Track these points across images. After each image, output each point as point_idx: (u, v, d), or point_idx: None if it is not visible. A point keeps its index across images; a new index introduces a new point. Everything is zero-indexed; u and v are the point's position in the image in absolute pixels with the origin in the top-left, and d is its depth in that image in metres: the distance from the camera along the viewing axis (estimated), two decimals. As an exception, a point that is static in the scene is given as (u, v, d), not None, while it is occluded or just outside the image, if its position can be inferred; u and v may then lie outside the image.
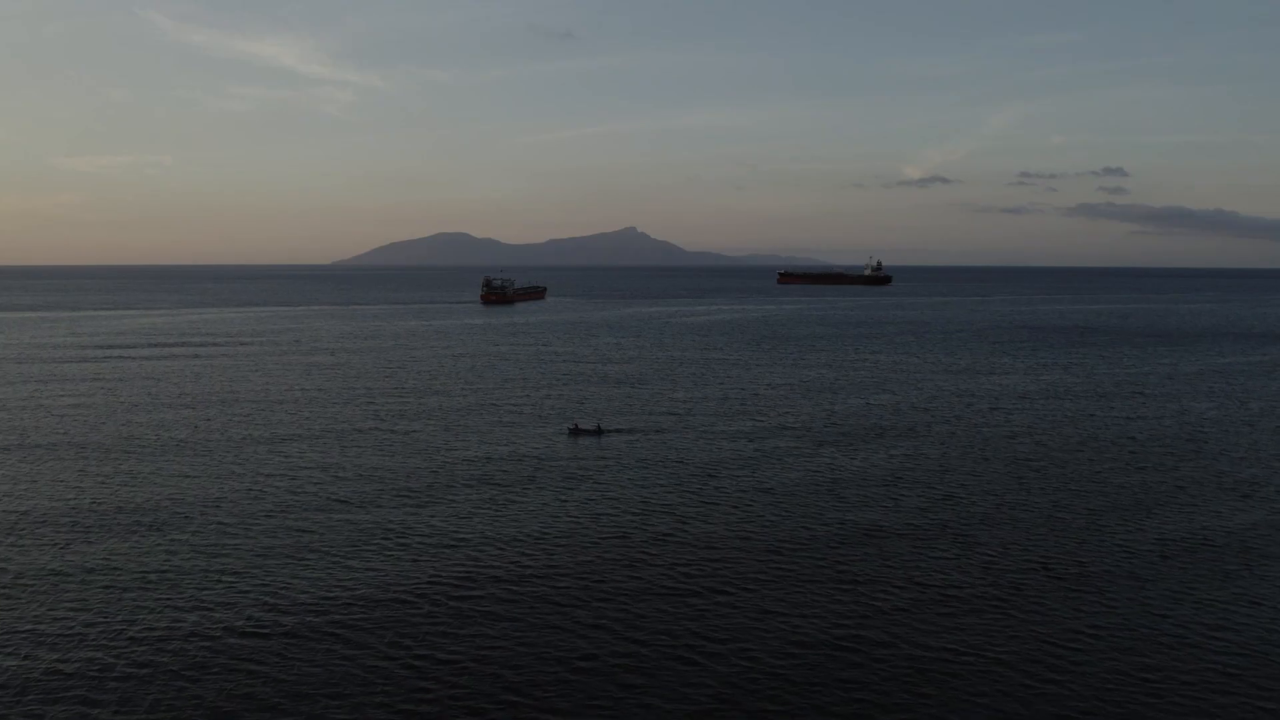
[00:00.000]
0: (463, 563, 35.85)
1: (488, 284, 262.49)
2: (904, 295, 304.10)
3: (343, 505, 43.36)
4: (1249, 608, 32.61)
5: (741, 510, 43.40)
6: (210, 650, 28.51)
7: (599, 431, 61.98)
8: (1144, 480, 49.88)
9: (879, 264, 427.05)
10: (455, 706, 25.61)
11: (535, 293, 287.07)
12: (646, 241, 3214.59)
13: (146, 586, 33.59)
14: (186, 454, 53.95)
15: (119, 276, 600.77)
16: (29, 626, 30.21)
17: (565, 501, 44.36)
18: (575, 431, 61.99)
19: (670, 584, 34.07)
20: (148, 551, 37.25)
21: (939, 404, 74.03)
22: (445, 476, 49.29)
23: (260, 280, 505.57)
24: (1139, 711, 25.69)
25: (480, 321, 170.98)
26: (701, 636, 29.76)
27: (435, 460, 52.95)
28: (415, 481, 48.03)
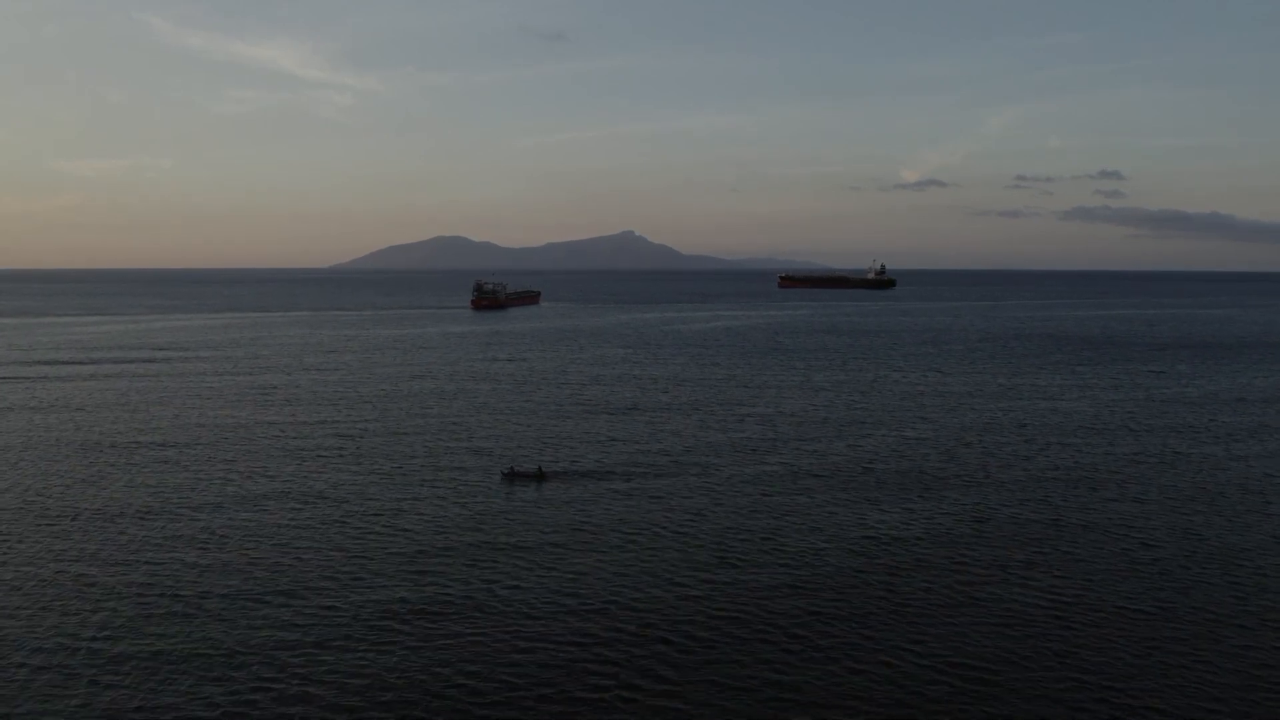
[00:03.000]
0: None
1: (479, 288, 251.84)
2: (911, 300, 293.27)
3: (177, 638, 29.84)
4: None
5: (763, 641, 29.70)
6: None
7: (540, 476, 49.94)
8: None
9: (883, 267, 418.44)
10: None
11: (529, 297, 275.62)
12: (644, 245, 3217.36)
13: None
14: (28, 528, 41.07)
15: (109, 280, 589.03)
16: None
17: (496, 620, 30.88)
18: (511, 476, 50.09)
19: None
20: None
21: (992, 439, 61.28)
22: (346, 564, 36.16)
23: (251, 284, 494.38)
24: None
25: (466, 329, 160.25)
26: None
27: (344, 534, 39.92)
28: (301, 575, 34.87)
